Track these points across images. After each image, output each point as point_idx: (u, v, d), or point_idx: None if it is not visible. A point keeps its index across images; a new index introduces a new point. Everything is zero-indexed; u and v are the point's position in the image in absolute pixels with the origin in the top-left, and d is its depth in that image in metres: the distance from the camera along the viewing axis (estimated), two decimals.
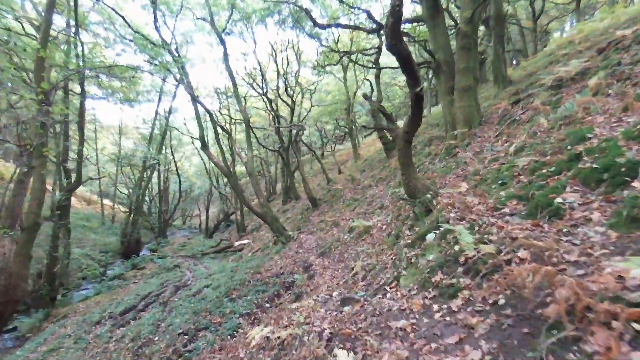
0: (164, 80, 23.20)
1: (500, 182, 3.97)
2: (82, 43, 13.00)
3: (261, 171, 33.63)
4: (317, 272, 7.16)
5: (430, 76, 23.35)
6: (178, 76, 12.55)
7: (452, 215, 3.74)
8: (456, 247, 3.00)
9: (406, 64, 4.50)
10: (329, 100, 26.16)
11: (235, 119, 23.50)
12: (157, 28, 11.30)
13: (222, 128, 12.49)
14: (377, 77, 14.29)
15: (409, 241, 3.97)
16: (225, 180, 32.37)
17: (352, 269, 5.01)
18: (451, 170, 6.97)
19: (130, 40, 13.97)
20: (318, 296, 4.47)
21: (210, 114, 11.90)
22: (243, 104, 14.10)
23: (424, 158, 9.95)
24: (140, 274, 16.99)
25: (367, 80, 15.16)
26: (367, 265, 4.42)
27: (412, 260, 3.34)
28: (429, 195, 4.77)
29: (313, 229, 12.06)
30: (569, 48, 10.94)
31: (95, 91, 21.92)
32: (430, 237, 3.52)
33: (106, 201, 33.82)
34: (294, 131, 17.01)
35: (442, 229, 3.46)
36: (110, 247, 22.21)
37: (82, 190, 40.04)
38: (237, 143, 27.87)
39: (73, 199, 34.94)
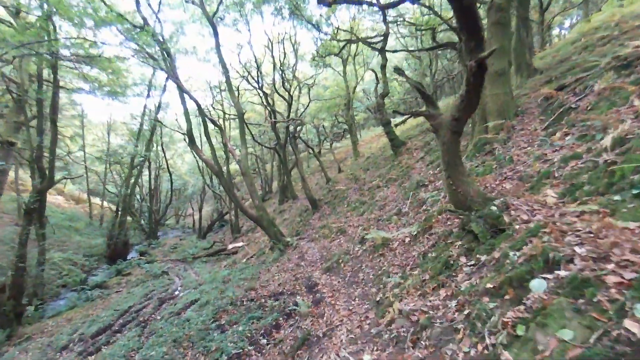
0: (153, 72, 21.54)
1: (635, 190, 2.48)
2: (54, 25, 11.29)
3: (257, 169, 32.00)
4: (325, 296, 5.66)
5: (431, 68, 21.93)
6: (163, 64, 10.90)
7: (555, 243, 2.27)
8: (627, 323, 1.53)
9: (468, 15, 3.00)
10: (327, 95, 24.59)
11: (230, 114, 21.83)
12: (138, 4, 9.65)
13: (213, 122, 10.92)
14: (383, 67, 12.77)
15: (486, 284, 2.48)
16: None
17: (383, 313, 3.50)
18: (491, 170, 5.51)
19: (110, 24, 12.26)
20: (338, 356, 2.97)
21: (199, 106, 10.29)
22: (237, 96, 12.51)
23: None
24: (125, 281, 15.35)
25: (372, 71, 13.64)
26: (411, 311, 2.94)
27: (518, 332, 1.87)
28: (494, 208, 3.29)
29: (314, 234, 10.55)
30: (604, 32, 9.57)
31: (81, 85, 20.21)
32: (538, 286, 2.04)
33: (97, 200, 31.94)
34: (292, 127, 15.42)
35: (563, 273, 1.99)
36: (96, 250, 20.47)
37: (71, 188, 38.06)
38: (231, 140, 26.20)
39: (59, 198, 33.11)
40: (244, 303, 7.09)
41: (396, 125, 7.41)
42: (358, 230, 7.87)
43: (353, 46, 22.24)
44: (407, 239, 5.52)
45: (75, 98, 28.22)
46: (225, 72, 10.96)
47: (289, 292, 6.76)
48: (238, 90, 18.32)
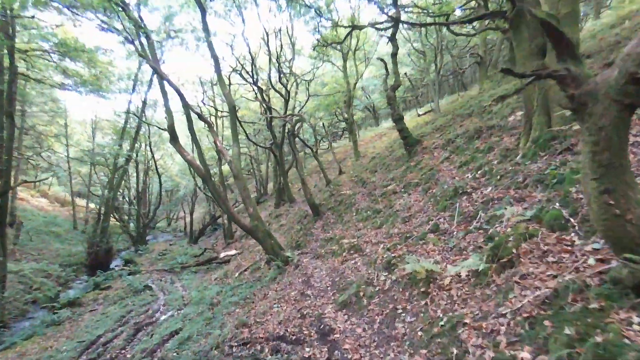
0: (138, 67, 19.47)
1: None
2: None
3: (251, 170, 30.03)
4: (345, 353, 3.86)
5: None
6: (140, 47, 8.98)
7: None
8: None
9: None
10: (326, 92, 22.77)
11: (222, 111, 19.87)
12: None
13: (200, 117, 9.06)
14: (394, 55, 11.01)
15: None
16: (214, 179, 28.64)
17: None
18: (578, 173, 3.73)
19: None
20: None
21: (181, 95, 8.40)
22: (228, 87, 10.64)
23: (480, 156, 6.73)
24: (103, 296, 13.31)
25: (381, 60, 11.86)
26: None
27: None
28: None
29: (319, 249, 8.73)
30: None
31: (63, 81, 18.13)
32: None
33: (85, 202, 29.62)
34: (290, 124, 13.56)
35: None
36: (76, 259, 18.34)
37: (57, 190, 35.58)
38: (224, 140, 24.21)
39: (43, 201, 30.67)
40: (233, 350, 5.24)
41: (419, 115, 5.69)
42: (379, 250, 6.07)
43: (354, 41, 20.55)
44: (467, 275, 3.74)
45: (59, 95, 26.08)
46: (214, 58, 9.09)
47: (292, 338, 4.92)
48: (229, 80, 16.30)
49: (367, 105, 29.89)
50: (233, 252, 16.88)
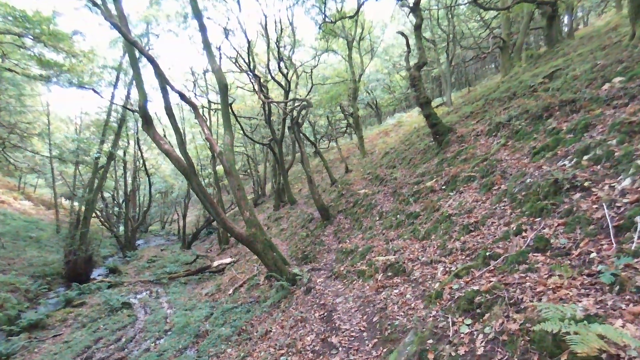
0: (122, 54, 17.17)
1: None
2: None
3: (248, 170, 27.80)
4: None
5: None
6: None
7: None
8: None
9: None
10: (328, 88, 20.67)
11: (216, 104, 17.66)
12: None
13: (181, 95, 6.90)
14: (418, 27, 8.93)
15: None
16: (207, 180, 26.37)
17: None
18: None
19: None
20: None
21: (153, 62, 6.19)
22: (218, 62, 8.51)
23: (569, 137, 4.67)
24: (74, 315, 10.98)
25: (401, 34, 9.75)
26: None
27: None
28: None
29: (337, 264, 6.59)
30: None
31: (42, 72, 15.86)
32: None
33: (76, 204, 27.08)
34: (295, 111, 11.39)
35: None
36: (52, 268, 15.90)
37: (43, 192, 32.96)
38: (218, 140, 21.95)
39: (26, 203, 28.07)
40: None
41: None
42: (438, 274, 3.96)
43: (358, 30, 18.52)
44: None
45: (41, 91, 23.66)
46: (199, 20, 6.94)
47: None
48: (220, 52, 13.95)
49: (370, 102, 27.84)
50: (228, 260, 14.66)
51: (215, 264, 14.55)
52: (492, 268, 3.48)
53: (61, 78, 16.39)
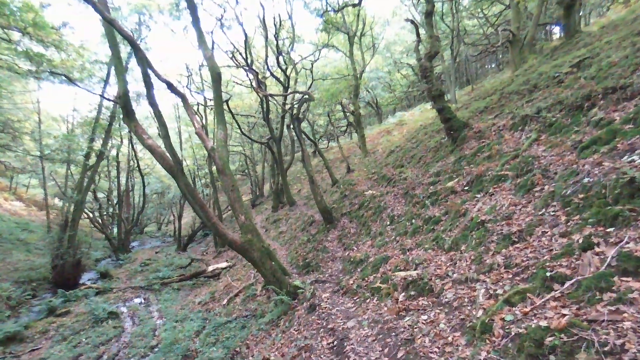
0: None
1: None
2: None
3: (246, 171, 26.87)
4: None
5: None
6: None
7: None
8: None
9: None
10: (328, 84, 19.82)
11: (210, 99, 16.73)
12: None
13: (169, 85, 6.03)
14: (429, 14, 8.10)
15: None
16: (204, 180, 25.41)
17: None
18: None
19: None
20: None
21: (133, 42, 5.30)
22: (211, 50, 7.62)
23: (628, 128, 3.83)
24: (56, 326, 10.02)
25: (410, 22, 8.89)
26: None
27: None
28: None
29: (344, 276, 5.71)
30: None
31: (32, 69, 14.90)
32: None
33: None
34: (295, 106, 10.52)
35: None
36: (39, 273, 14.90)
37: (35, 192, 31.81)
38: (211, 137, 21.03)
39: (17, 204, 26.97)
40: None
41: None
42: (480, 298, 3.10)
43: (360, 25, 17.69)
44: None
45: (32, 86, 22.63)
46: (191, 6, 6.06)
47: None
48: (213, 40, 13.04)
49: (370, 101, 27.00)
50: (224, 264, 13.75)
51: (211, 268, 13.63)
52: (559, 295, 2.61)
53: (51, 72, 15.39)
